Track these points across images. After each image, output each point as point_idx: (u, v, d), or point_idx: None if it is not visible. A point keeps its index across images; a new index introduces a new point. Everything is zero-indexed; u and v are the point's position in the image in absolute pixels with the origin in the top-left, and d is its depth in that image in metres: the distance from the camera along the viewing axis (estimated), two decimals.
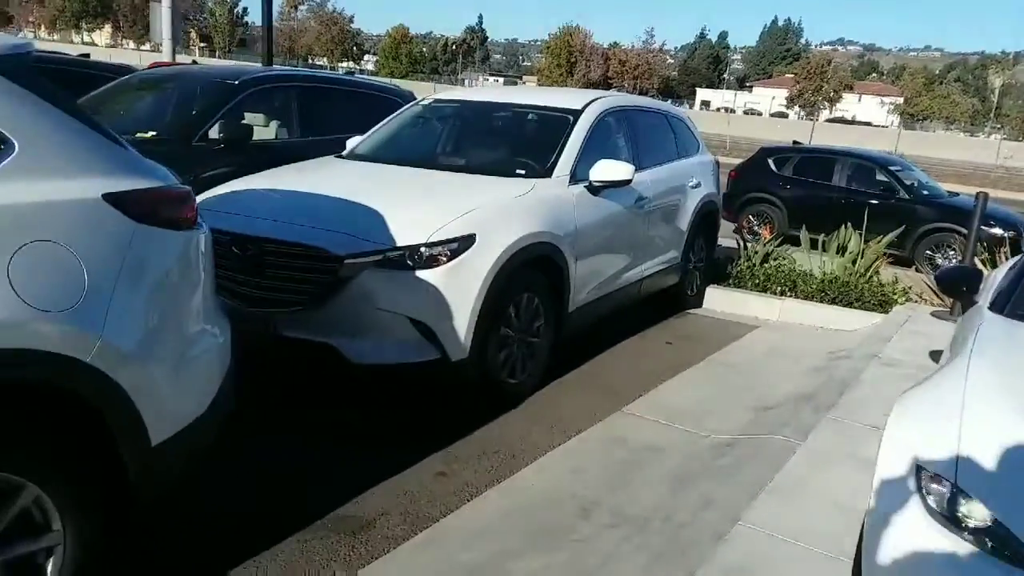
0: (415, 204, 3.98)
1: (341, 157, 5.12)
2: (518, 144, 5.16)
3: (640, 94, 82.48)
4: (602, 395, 4.37)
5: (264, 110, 6.29)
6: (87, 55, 9.65)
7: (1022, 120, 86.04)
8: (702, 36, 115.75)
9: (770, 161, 12.10)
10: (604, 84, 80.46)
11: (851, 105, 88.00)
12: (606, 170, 4.69)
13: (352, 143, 5.33)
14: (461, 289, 3.71)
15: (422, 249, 3.62)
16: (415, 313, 3.64)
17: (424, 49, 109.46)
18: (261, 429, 3.54)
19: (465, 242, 3.73)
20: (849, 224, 7.68)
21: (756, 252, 7.47)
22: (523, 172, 4.58)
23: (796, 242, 8.12)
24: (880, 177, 11.14)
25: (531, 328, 4.27)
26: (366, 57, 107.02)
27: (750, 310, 6.62)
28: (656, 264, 5.71)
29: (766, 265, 7.21)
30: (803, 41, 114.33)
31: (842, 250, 7.41)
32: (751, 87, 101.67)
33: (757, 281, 6.97)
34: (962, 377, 2.26)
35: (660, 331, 5.81)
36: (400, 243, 3.61)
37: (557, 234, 4.29)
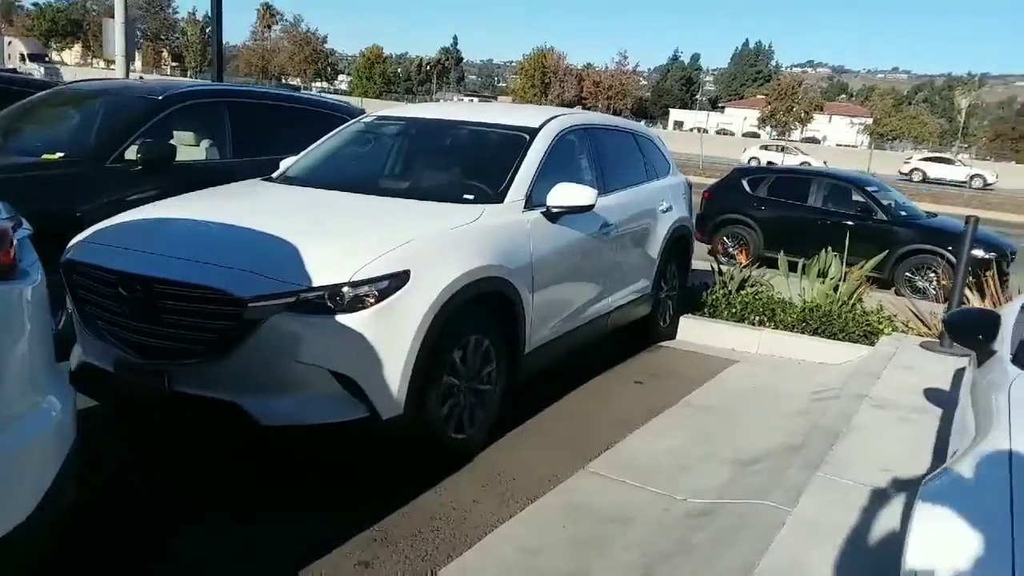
0: (341, 236, 3.43)
1: (269, 180, 4.56)
2: (468, 166, 4.63)
3: (614, 114, 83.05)
4: (562, 449, 3.82)
5: (193, 128, 5.72)
6: (13, 69, 9.00)
7: (988, 140, 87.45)
8: (675, 58, 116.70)
9: (744, 182, 11.72)
10: (578, 104, 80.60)
11: (822, 125, 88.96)
12: (565, 194, 4.17)
13: (285, 164, 4.78)
14: (393, 335, 3.16)
15: (344, 289, 3.07)
16: (337, 365, 3.07)
17: (399, 69, 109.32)
18: (132, 497, 2.95)
19: (397, 280, 3.18)
20: (829, 248, 7.23)
21: (732, 278, 6.99)
22: (471, 197, 4.05)
23: (773, 264, 7.68)
24: (856, 197, 10.77)
25: (480, 375, 3.73)
26: (340, 77, 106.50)
27: (727, 342, 6.12)
28: (625, 295, 5.20)
29: (743, 292, 6.74)
30: (774, 63, 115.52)
31: (823, 275, 6.96)
32: (723, 107, 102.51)
33: (734, 310, 6.48)
34: (1004, 465, 1.75)
35: (629, 368, 5.28)
36: (318, 282, 3.05)
37: (508, 267, 3.76)
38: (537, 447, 3.83)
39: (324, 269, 3.10)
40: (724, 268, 7.31)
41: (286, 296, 3.02)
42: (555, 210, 4.18)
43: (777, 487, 3.37)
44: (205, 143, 5.80)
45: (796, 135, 77.38)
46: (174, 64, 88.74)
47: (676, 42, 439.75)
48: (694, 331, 6.27)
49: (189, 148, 5.76)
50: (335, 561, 2.74)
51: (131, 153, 5.03)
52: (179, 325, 3.11)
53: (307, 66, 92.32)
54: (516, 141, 4.46)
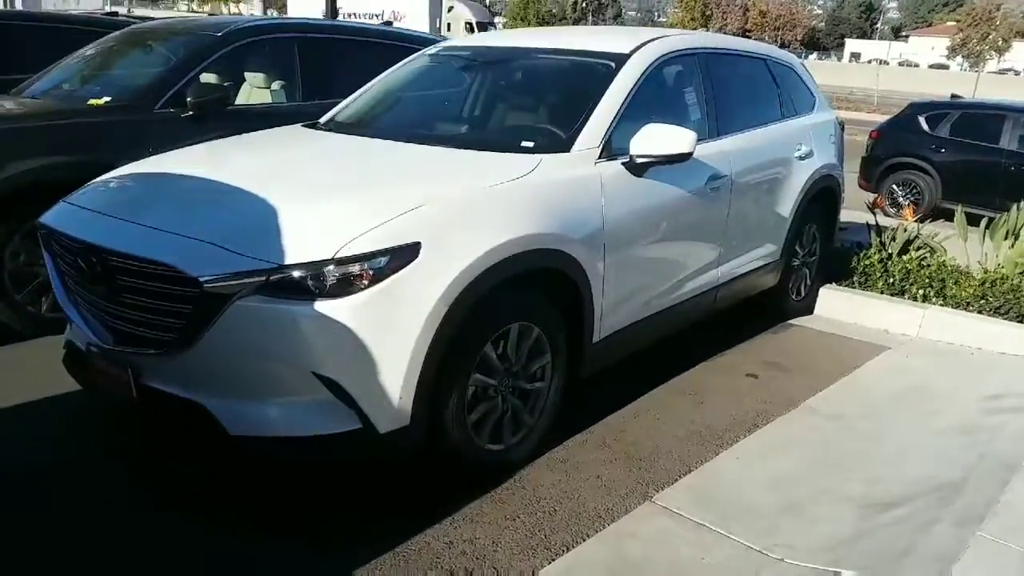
0: (340, 198, 2.72)
1: (313, 126, 3.92)
2: (535, 105, 3.78)
3: (781, 47, 77.45)
4: (626, 468, 3.00)
5: (259, 68, 5.20)
6: (114, 13, 8.92)
7: None
8: None
9: (921, 119, 9.98)
10: (742, 37, 75.54)
11: (1022, 55, 78.47)
12: (653, 139, 3.25)
13: (339, 107, 4.14)
14: (393, 327, 2.44)
15: (328, 268, 2.37)
16: (318, 365, 2.41)
17: (554, 9, 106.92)
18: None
19: (400, 256, 2.45)
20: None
21: (893, 239, 5.72)
22: (530, 145, 3.22)
23: (950, 217, 6.24)
24: None
25: (527, 371, 2.96)
26: (496, 19, 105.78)
27: (878, 321, 4.96)
28: (741, 264, 4.21)
29: (905, 257, 5.48)
30: None
31: (1014, 236, 5.54)
32: (907, 37, 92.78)
33: (891, 280, 5.27)
34: None
35: (742, 355, 4.31)
36: (294, 259, 2.37)
37: (568, 235, 2.93)
38: (593, 464, 3.02)
39: (305, 242, 2.42)
40: (886, 224, 6.00)
41: (253, 276, 2.36)
42: (640, 160, 3.28)
43: (916, 550, 2.41)
44: (276, 85, 5.28)
45: (991, 66, 68.70)
46: None
47: None
48: (837, 306, 5.14)
49: (258, 91, 5.26)
50: None
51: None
52: (140, 308, 2.55)
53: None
54: (598, 72, 3.55)
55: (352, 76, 5.28)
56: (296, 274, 2.36)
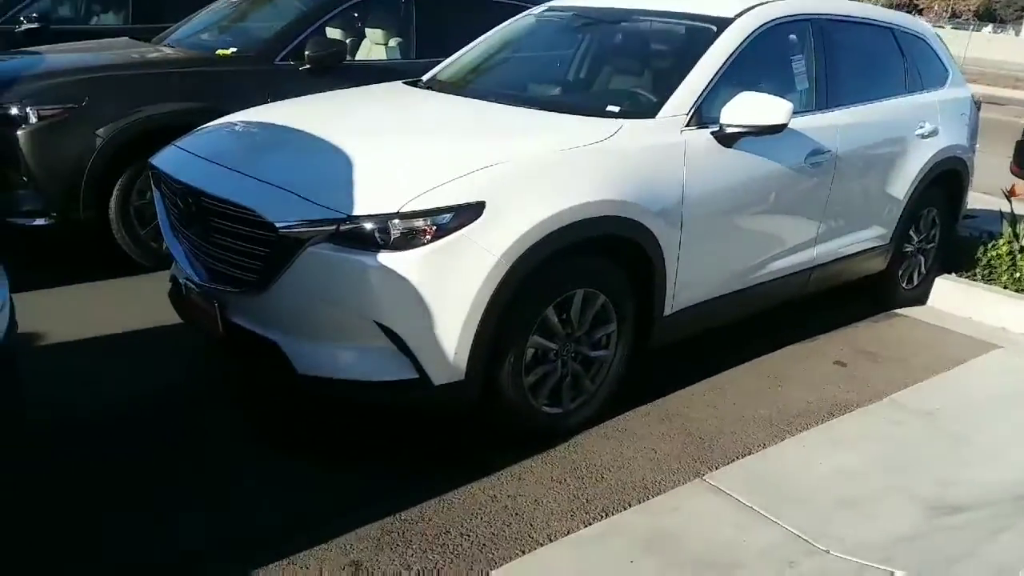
0: (416, 154, 2.80)
1: (413, 83, 4.03)
2: (630, 68, 3.72)
3: (951, 17, 71.16)
4: (685, 444, 2.97)
5: (377, 24, 5.35)
6: None
7: None
8: None
9: None
10: (909, 7, 70.24)
11: None
12: (743, 109, 3.14)
13: (441, 66, 4.22)
14: (453, 282, 2.52)
15: (394, 221, 2.47)
16: (379, 314, 2.52)
17: None
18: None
19: (465, 213, 2.52)
20: None
21: None
22: (616, 109, 3.19)
23: None
24: None
25: (591, 338, 2.98)
26: None
27: (997, 318, 4.60)
28: (842, 246, 4.02)
29: None
30: None
31: None
32: None
33: (1019, 274, 4.87)
34: None
35: (837, 340, 4.12)
36: (362, 211, 2.49)
37: (642, 204, 2.90)
38: (651, 437, 3.01)
39: (374, 195, 2.52)
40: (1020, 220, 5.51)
41: (324, 224, 2.49)
42: (729, 130, 3.18)
43: (977, 556, 2.29)
44: (393, 42, 5.43)
45: None
46: None
47: None
48: (953, 298, 4.81)
49: (376, 47, 5.43)
50: (323, 555, 2.26)
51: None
52: (228, 248, 2.75)
53: None
54: (698, 36, 3.45)
55: (466, 34, 5.37)
56: (366, 226, 2.47)
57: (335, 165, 2.71)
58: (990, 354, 4.07)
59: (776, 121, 3.13)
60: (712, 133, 3.19)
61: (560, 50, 4.06)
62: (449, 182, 2.54)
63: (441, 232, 2.49)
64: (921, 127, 4.29)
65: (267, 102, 3.98)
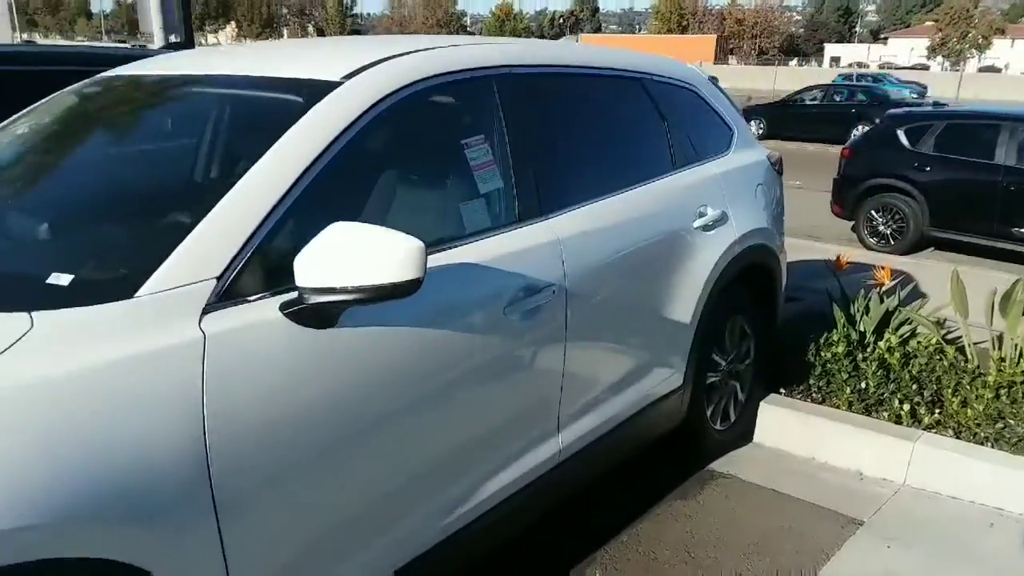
0: None
1: None
2: (131, 190, 2.07)
3: (759, 54, 76.14)
4: None
5: None
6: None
7: None
8: None
9: (900, 132, 8.36)
10: (723, 51, 74.28)
11: (1003, 51, 77.12)
12: (333, 256, 1.58)
13: None
14: None
15: None
16: None
17: (532, 25, 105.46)
18: None
19: None
20: None
21: (864, 310, 4.04)
22: (62, 283, 1.55)
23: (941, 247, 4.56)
24: None
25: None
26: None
27: (848, 454, 3.29)
28: (607, 416, 2.54)
29: (882, 343, 3.82)
30: None
31: None
32: (886, 39, 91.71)
33: (863, 383, 3.59)
34: None
35: (625, 549, 2.61)
36: None
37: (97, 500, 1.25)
38: None
39: None
40: (855, 298, 4.30)
41: None
42: (316, 298, 1.61)
43: None
44: None
45: (972, 65, 67.40)
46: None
47: None
48: (787, 430, 3.47)
49: None
50: None
51: None
52: None
53: (439, 30, 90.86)
54: (268, 118, 1.90)
55: None
56: None
57: None
58: (846, 545, 2.66)
59: (393, 279, 1.59)
60: (285, 310, 1.61)
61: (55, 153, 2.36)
62: None
63: None
64: (701, 215, 2.93)
65: None
